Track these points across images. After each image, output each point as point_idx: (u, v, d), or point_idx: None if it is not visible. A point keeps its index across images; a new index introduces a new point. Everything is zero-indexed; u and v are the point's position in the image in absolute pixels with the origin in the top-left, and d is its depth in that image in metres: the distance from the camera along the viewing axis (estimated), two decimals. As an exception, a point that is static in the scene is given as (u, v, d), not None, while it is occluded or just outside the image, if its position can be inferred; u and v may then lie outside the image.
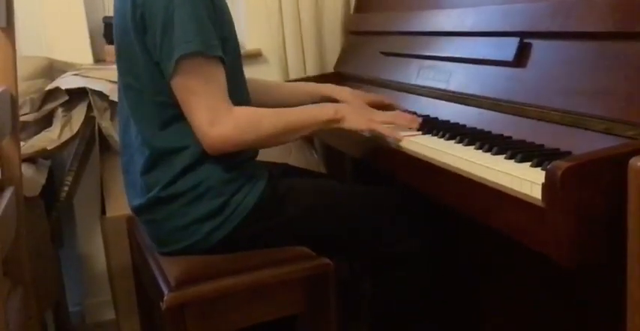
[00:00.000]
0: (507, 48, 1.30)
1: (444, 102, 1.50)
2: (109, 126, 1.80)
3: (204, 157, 1.25)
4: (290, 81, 2.14)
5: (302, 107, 1.39)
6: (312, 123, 1.32)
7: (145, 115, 1.27)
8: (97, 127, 1.86)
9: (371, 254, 1.39)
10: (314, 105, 1.46)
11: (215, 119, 1.19)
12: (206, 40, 1.18)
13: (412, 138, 1.30)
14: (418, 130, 1.35)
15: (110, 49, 1.97)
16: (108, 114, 1.82)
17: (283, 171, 1.55)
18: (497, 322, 1.56)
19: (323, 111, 1.33)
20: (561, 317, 1.33)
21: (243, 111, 1.24)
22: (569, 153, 1.05)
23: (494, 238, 1.06)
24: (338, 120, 1.32)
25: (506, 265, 1.49)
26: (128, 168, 1.36)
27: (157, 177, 1.27)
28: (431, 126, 1.36)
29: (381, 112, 1.41)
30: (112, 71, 1.67)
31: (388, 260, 1.37)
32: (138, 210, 1.34)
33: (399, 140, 1.31)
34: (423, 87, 1.59)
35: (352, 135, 1.52)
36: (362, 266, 1.53)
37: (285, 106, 1.57)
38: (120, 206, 1.75)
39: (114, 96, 1.73)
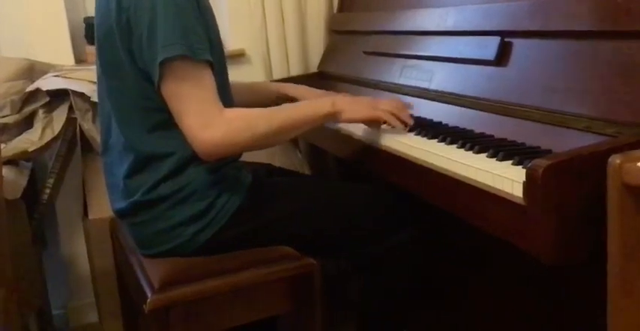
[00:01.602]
0: (488, 47, 1.30)
1: (426, 101, 1.50)
2: (90, 128, 1.78)
3: (189, 162, 1.24)
4: (273, 81, 2.13)
5: (297, 103, 1.38)
6: (309, 119, 1.28)
7: (131, 119, 1.26)
8: (78, 129, 1.84)
9: (357, 253, 1.38)
10: (309, 101, 1.45)
11: (207, 123, 1.17)
12: (191, 43, 1.16)
13: (396, 138, 1.31)
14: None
15: (92, 50, 1.95)
16: (90, 115, 1.80)
17: (267, 171, 1.55)
18: (486, 316, 1.57)
19: (320, 106, 1.30)
20: (547, 312, 1.34)
21: (236, 113, 1.22)
22: (549, 151, 1.06)
23: (480, 234, 1.07)
24: (337, 113, 1.29)
25: (493, 261, 1.49)
26: (111, 170, 1.35)
27: (140, 182, 1.26)
28: (414, 125, 1.36)
29: (382, 100, 1.38)
30: (93, 72, 1.65)
31: (374, 258, 1.37)
32: (120, 213, 1.33)
33: (406, 126, 1.31)
34: (406, 86, 1.59)
35: (338, 134, 1.53)
36: (348, 264, 1.53)
37: (244, 106, 1.59)
38: (102, 208, 1.74)
39: (96, 98, 1.71)
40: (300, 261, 1.31)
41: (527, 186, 0.90)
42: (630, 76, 1.01)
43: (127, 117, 1.26)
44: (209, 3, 1.30)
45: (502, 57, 1.28)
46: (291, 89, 1.64)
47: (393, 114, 1.32)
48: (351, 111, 1.29)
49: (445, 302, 1.70)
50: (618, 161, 0.82)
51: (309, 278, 1.32)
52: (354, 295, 1.47)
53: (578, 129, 1.06)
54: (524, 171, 0.91)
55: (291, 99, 1.61)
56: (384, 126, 1.36)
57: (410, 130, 1.34)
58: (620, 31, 1.05)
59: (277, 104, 1.71)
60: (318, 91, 1.62)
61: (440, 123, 1.39)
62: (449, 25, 1.49)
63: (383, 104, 1.33)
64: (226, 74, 1.36)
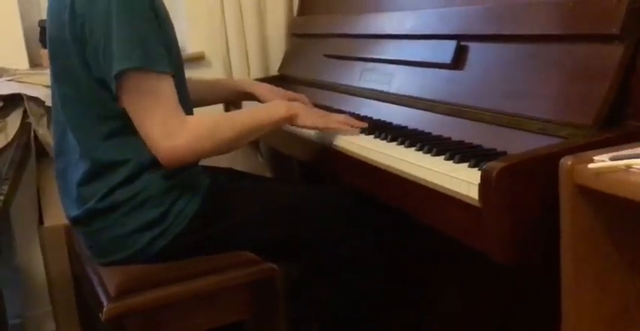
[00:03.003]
0: (445, 50, 1.32)
1: (386, 104, 1.51)
2: (45, 133, 1.75)
3: (144, 168, 1.22)
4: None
5: (253, 108, 1.40)
6: (266, 123, 1.30)
7: (86, 127, 1.24)
8: (32, 134, 1.80)
9: (319, 255, 1.38)
10: (264, 105, 1.47)
11: (170, 132, 1.16)
12: (147, 54, 1.14)
13: (355, 140, 1.31)
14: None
15: (46, 54, 1.90)
16: (44, 120, 1.76)
17: (228, 175, 1.54)
18: (442, 317, 1.58)
19: (275, 110, 1.33)
20: (509, 311, 1.35)
21: (198, 121, 1.21)
22: (505, 153, 1.07)
23: (441, 234, 1.08)
24: (291, 118, 1.33)
25: (450, 261, 1.51)
26: (64, 175, 1.32)
27: (95, 189, 1.23)
28: (373, 128, 1.36)
29: (333, 114, 1.44)
30: (48, 76, 1.61)
31: (337, 260, 1.37)
32: (75, 221, 1.30)
33: (355, 134, 1.35)
34: (366, 89, 1.60)
35: (298, 137, 1.53)
36: (310, 268, 1.52)
37: (203, 102, 1.61)
38: (58, 215, 1.70)
39: (50, 102, 1.67)
40: (261, 266, 1.30)
41: (482, 187, 0.91)
42: (582, 78, 1.03)
43: (81, 125, 1.24)
44: (166, 10, 1.28)
45: (458, 60, 1.29)
46: (254, 87, 1.63)
47: (345, 123, 1.37)
48: (304, 117, 1.34)
49: (408, 302, 1.71)
50: (570, 163, 0.83)
51: (270, 283, 1.31)
52: (319, 298, 1.46)
53: (533, 132, 1.08)
54: (480, 173, 0.92)
55: (252, 97, 1.61)
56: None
57: (369, 133, 1.35)
58: (571, 35, 1.07)
59: (238, 102, 1.72)
60: (281, 92, 1.62)
61: (399, 125, 1.40)
62: (407, 28, 1.50)
63: (336, 115, 1.40)
64: (184, 82, 1.34)
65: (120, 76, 1.13)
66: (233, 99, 1.73)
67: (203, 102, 1.60)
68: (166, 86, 1.18)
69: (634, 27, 0.97)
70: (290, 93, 1.61)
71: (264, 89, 1.61)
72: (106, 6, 1.12)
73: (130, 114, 1.18)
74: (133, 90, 1.15)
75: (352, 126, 1.37)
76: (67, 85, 1.24)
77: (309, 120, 1.34)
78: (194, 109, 1.37)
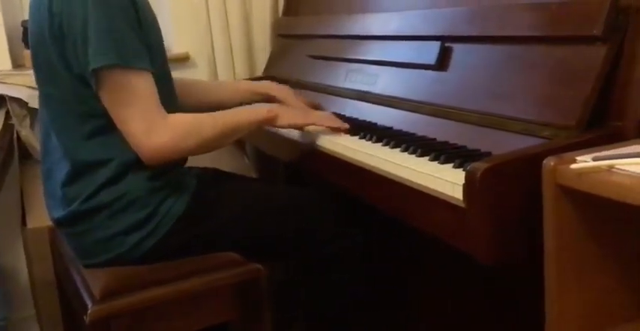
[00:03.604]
0: (429, 52, 1.32)
1: (370, 104, 1.51)
2: (28, 135, 1.73)
3: (128, 168, 1.22)
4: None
5: (235, 109, 1.42)
6: (248, 123, 1.32)
7: (68, 126, 1.23)
8: (15, 135, 1.78)
9: (304, 256, 1.38)
10: (247, 106, 1.48)
11: (151, 129, 1.16)
12: (123, 51, 1.14)
13: (340, 141, 1.31)
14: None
15: (29, 54, 1.89)
16: (27, 121, 1.75)
17: (213, 176, 1.53)
18: (428, 317, 1.59)
19: (257, 111, 1.35)
20: (487, 312, 1.36)
21: (180, 118, 1.22)
22: (489, 153, 1.08)
23: (420, 235, 1.08)
24: (272, 119, 1.34)
25: (435, 261, 1.51)
26: (49, 176, 1.31)
27: (79, 190, 1.23)
28: (358, 128, 1.37)
29: (316, 111, 1.45)
30: (31, 77, 1.60)
31: (322, 261, 1.37)
32: (59, 223, 1.29)
33: (336, 133, 1.35)
34: (351, 90, 1.60)
35: (282, 139, 1.52)
36: (296, 268, 1.52)
37: (221, 107, 1.60)
38: (41, 216, 1.68)
39: (33, 103, 1.66)
40: (246, 267, 1.30)
41: (467, 188, 0.92)
42: (565, 80, 1.04)
43: (63, 124, 1.24)
44: (150, 7, 1.28)
45: (443, 61, 1.30)
46: (274, 89, 1.60)
47: (328, 122, 1.38)
48: (285, 118, 1.35)
49: (394, 303, 1.71)
50: (552, 163, 0.84)
51: (255, 283, 1.31)
52: (305, 298, 1.47)
53: (516, 132, 1.08)
54: (465, 173, 0.93)
55: (273, 100, 1.59)
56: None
57: (354, 134, 1.35)
58: (554, 36, 1.08)
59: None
60: (300, 96, 1.61)
61: (383, 126, 1.40)
62: (392, 29, 1.50)
63: (316, 113, 1.42)
64: (169, 79, 1.34)
65: (97, 72, 1.13)
66: (250, 101, 1.67)
67: (225, 105, 1.59)
68: (145, 83, 1.17)
69: (616, 28, 0.98)
70: (306, 100, 1.60)
71: (285, 92, 1.60)
72: (83, 3, 1.12)
73: (110, 112, 1.17)
74: (112, 86, 1.15)
75: (334, 126, 1.37)
76: (50, 85, 1.23)
77: (290, 119, 1.36)
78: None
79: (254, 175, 2.11)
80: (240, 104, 1.62)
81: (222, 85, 1.69)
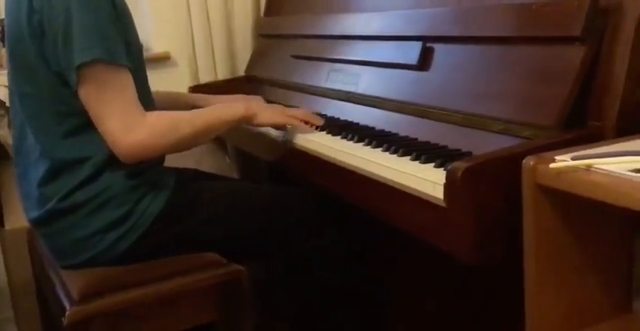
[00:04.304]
0: (411, 52, 1.32)
1: (353, 104, 1.52)
2: (5, 134, 1.71)
3: (106, 166, 1.21)
4: (200, 85, 2.10)
5: (213, 106, 1.41)
6: (226, 121, 1.32)
7: (45, 125, 1.22)
8: (-8, 135, 1.76)
9: (285, 256, 1.38)
10: (225, 104, 1.48)
11: (129, 126, 1.15)
12: (108, 47, 1.14)
13: (321, 141, 1.31)
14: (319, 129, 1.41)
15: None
16: (5, 121, 1.73)
17: (193, 176, 1.52)
18: (408, 316, 1.59)
19: (234, 110, 1.35)
20: (467, 312, 1.37)
21: (158, 116, 1.22)
22: (470, 153, 1.08)
23: (404, 234, 1.08)
24: (250, 117, 1.34)
25: (415, 260, 1.52)
26: (24, 176, 1.29)
27: (55, 189, 1.21)
28: (340, 128, 1.37)
29: (292, 109, 1.45)
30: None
31: (302, 261, 1.37)
32: (35, 223, 1.27)
33: (313, 131, 1.37)
34: (333, 90, 1.60)
35: (264, 138, 1.52)
36: (277, 267, 1.52)
37: None
38: (19, 218, 1.66)
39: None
40: (227, 268, 1.29)
41: (447, 187, 0.92)
42: (544, 80, 1.05)
43: (41, 123, 1.22)
44: (126, 5, 1.27)
45: (424, 61, 1.30)
46: (210, 101, 1.60)
47: (302, 120, 1.40)
48: (262, 116, 1.36)
49: (374, 302, 1.71)
50: (532, 162, 0.84)
51: (237, 284, 1.30)
52: (286, 297, 1.46)
53: (497, 132, 1.09)
54: (446, 173, 0.93)
55: None
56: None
57: (336, 134, 1.35)
58: (534, 37, 1.09)
59: None
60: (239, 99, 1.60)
61: (366, 126, 1.40)
62: (374, 29, 1.50)
63: (293, 111, 1.41)
64: (145, 78, 1.33)
65: (80, 68, 1.12)
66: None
67: None
68: (125, 79, 1.17)
69: (595, 29, 0.99)
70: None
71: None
72: (64, 0, 1.11)
73: (88, 108, 1.16)
74: (93, 82, 1.14)
75: (310, 122, 1.39)
76: (27, 83, 1.22)
77: (267, 118, 1.36)
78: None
79: (236, 175, 2.10)
80: None
81: (197, 99, 1.65)
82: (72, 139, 1.20)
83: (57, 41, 1.13)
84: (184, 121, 1.24)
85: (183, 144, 1.26)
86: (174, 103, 1.59)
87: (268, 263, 1.55)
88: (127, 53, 1.19)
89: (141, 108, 1.19)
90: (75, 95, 1.16)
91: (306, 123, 1.41)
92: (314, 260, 1.38)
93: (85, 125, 1.18)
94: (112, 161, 1.20)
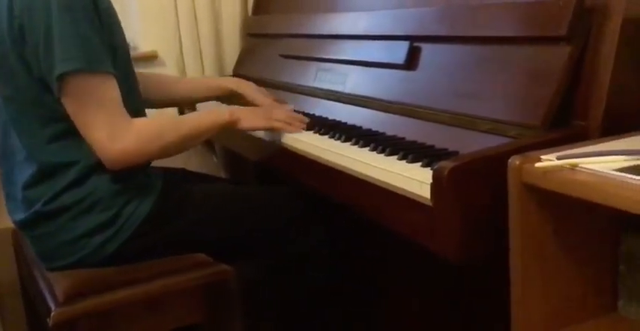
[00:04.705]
0: (398, 51, 1.32)
1: (340, 104, 1.51)
2: (-10, 134, 1.68)
3: (92, 171, 1.20)
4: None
5: (197, 112, 1.44)
6: (211, 127, 1.33)
7: (30, 129, 1.20)
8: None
9: (272, 256, 1.38)
10: (208, 110, 1.48)
11: (115, 134, 1.15)
12: (89, 55, 1.12)
13: (309, 140, 1.31)
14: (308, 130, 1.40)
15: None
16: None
17: (181, 176, 1.52)
18: (395, 315, 1.59)
19: (219, 115, 1.35)
20: (454, 311, 1.37)
21: (144, 123, 1.22)
22: (456, 152, 1.08)
23: (391, 234, 1.08)
24: (235, 122, 1.35)
25: (403, 260, 1.52)
26: (9, 178, 1.28)
27: (41, 192, 1.20)
28: (328, 128, 1.36)
29: (276, 110, 1.44)
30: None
31: (289, 260, 1.37)
32: (21, 225, 1.26)
33: (298, 132, 1.37)
34: (321, 89, 1.60)
35: (252, 138, 1.52)
36: (264, 268, 1.52)
37: (186, 101, 1.65)
38: (5, 218, 1.64)
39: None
40: (214, 268, 1.29)
41: (434, 187, 0.92)
42: (531, 79, 1.05)
43: (25, 127, 1.21)
44: (111, 4, 1.25)
45: (411, 61, 1.30)
46: (241, 86, 1.59)
47: (287, 123, 1.39)
48: (247, 120, 1.36)
49: (360, 301, 1.71)
50: (518, 162, 0.84)
51: (224, 285, 1.29)
52: (273, 297, 1.46)
53: (483, 132, 1.09)
54: (432, 172, 0.93)
55: (237, 96, 1.59)
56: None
57: (323, 133, 1.35)
58: (521, 37, 1.09)
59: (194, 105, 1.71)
60: (265, 92, 1.60)
61: (353, 125, 1.40)
62: (361, 29, 1.50)
63: (277, 114, 1.41)
64: (134, 80, 1.32)
65: (62, 77, 1.11)
66: (215, 97, 1.67)
67: (186, 100, 1.64)
68: (110, 87, 1.16)
69: (580, 28, 0.99)
70: (273, 96, 1.60)
71: (251, 89, 1.59)
72: (45, 6, 1.10)
73: (73, 117, 1.15)
74: (76, 92, 1.13)
75: (294, 124, 1.39)
76: (9, 87, 1.20)
77: (251, 122, 1.37)
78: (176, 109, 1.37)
79: (223, 174, 2.10)
80: (206, 99, 1.63)
81: (185, 80, 1.68)
82: (57, 144, 1.19)
83: (38, 49, 1.11)
84: (170, 128, 1.25)
85: (170, 151, 1.26)
86: (194, 90, 1.60)
87: (255, 262, 1.55)
88: (114, 58, 1.19)
89: (126, 115, 1.18)
90: (58, 101, 1.15)
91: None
92: (301, 260, 1.37)
93: (69, 130, 1.17)
94: (98, 166, 1.19)
